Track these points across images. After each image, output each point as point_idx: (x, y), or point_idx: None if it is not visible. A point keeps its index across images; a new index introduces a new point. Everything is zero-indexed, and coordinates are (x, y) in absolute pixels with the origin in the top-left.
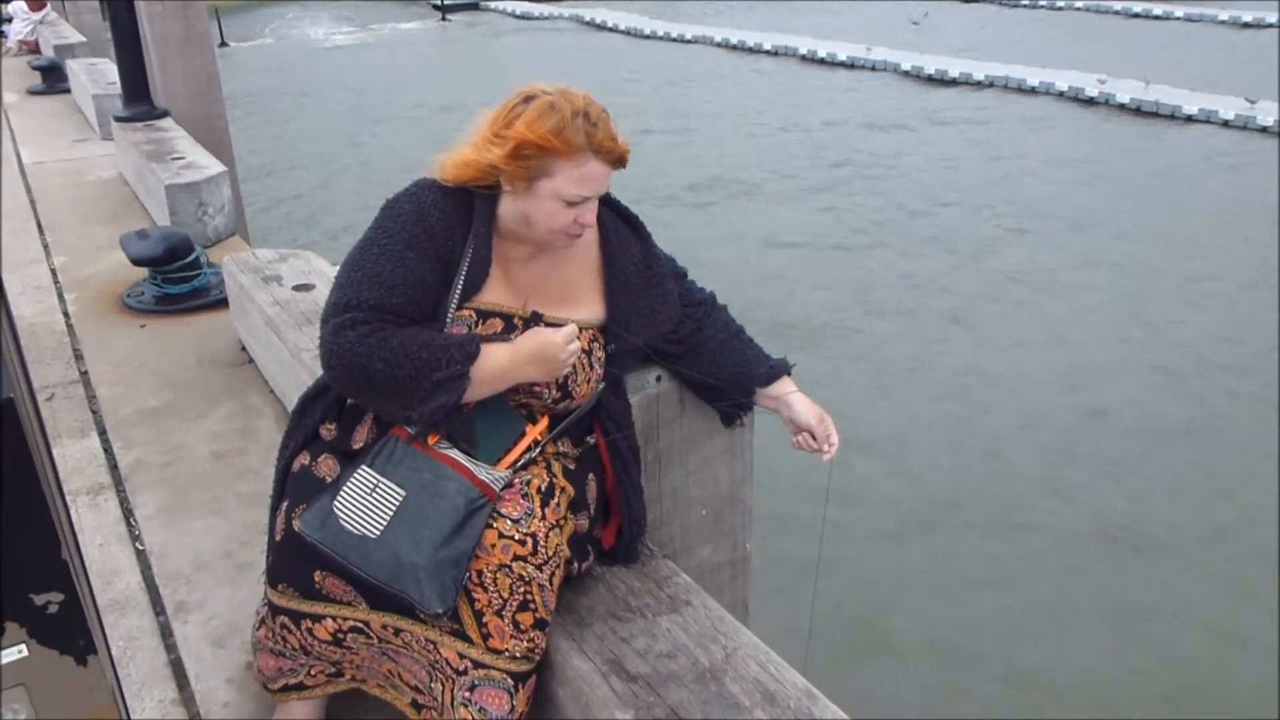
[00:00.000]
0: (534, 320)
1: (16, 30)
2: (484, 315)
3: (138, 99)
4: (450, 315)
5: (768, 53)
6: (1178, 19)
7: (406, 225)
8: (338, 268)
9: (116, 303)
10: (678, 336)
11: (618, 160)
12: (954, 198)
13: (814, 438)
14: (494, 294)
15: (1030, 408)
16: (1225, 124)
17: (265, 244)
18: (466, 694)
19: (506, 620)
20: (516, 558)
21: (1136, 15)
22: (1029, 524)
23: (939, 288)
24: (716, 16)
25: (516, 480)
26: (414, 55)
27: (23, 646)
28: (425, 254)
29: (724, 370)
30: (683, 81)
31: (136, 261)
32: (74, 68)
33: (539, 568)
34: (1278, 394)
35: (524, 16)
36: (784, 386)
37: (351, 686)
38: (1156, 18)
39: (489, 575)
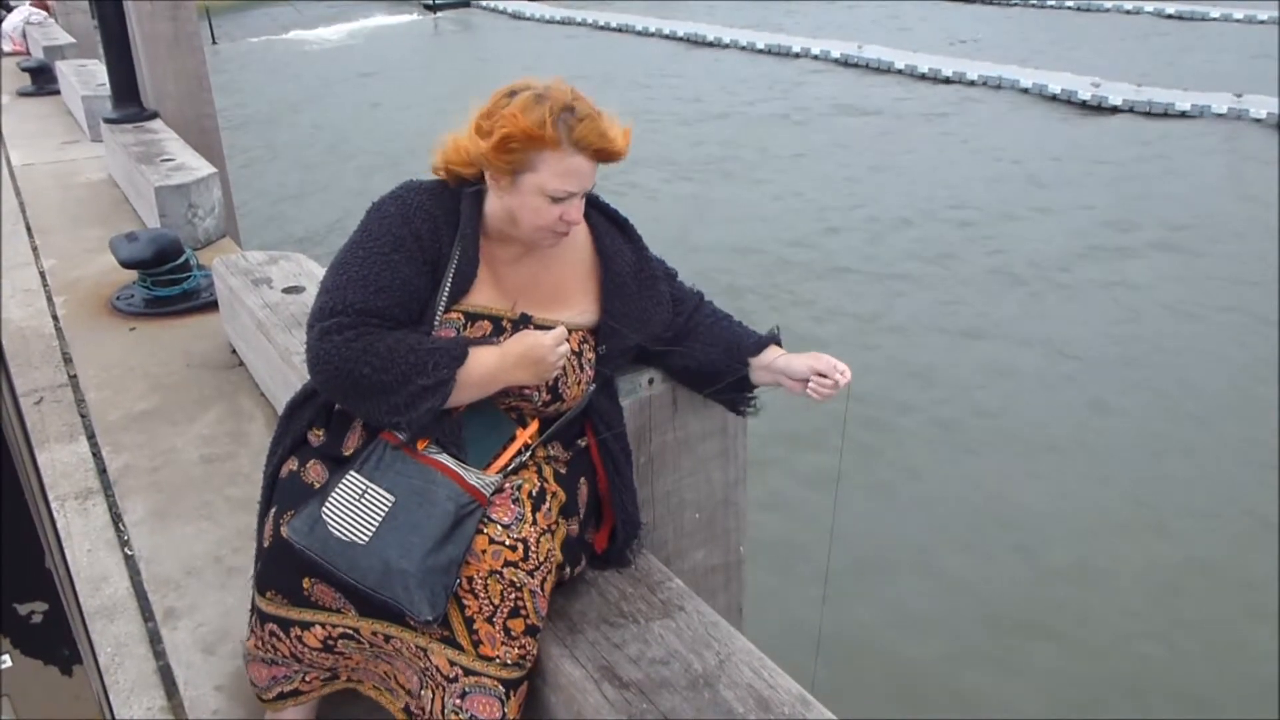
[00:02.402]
0: (523, 322)
1: (13, 24)
2: (472, 318)
3: (127, 100)
4: (438, 318)
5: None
6: (1169, 16)
7: (392, 228)
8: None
9: (106, 305)
10: (669, 335)
11: (601, 155)
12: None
13: (823, 375)
14: (482, 296)
15: None
16: (1219, 118)
17: (256, 245)
18: (457, 701)
19: (497, 627)
20: (507, 563)
21: (1128, 12)
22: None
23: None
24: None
25: (507, 485)
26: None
27: (6, 657)
28: (411, 256)
29: (716, 347)
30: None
31: (126, 264)
32: (63, 69)
33: (530, 573)
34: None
35: (516, 15)
36: (774, 353)
37: (347, 687)
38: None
39: (479, 581)
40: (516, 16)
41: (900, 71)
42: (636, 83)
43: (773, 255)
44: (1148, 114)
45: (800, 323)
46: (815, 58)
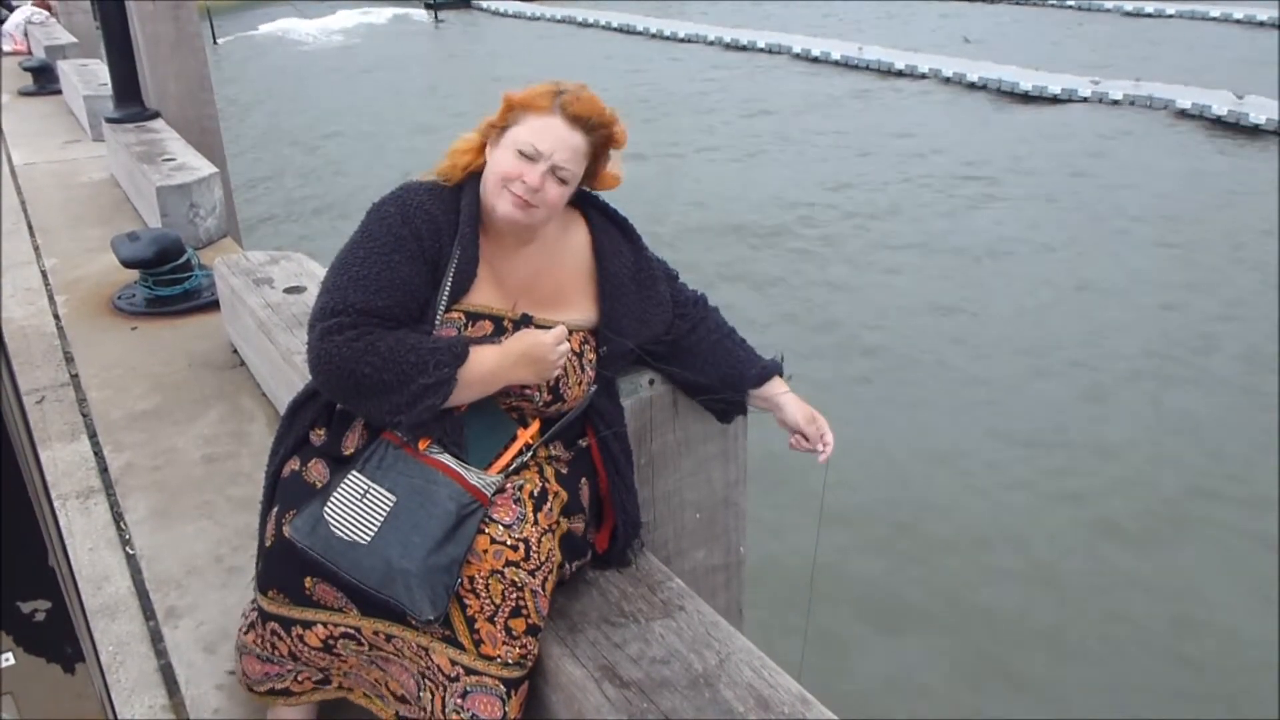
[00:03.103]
0: (524, 322)
1: (15, 23)
2: (473, 317)
3: (129, 100)
4: (439, 317)
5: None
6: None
7: (392, 228)
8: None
9: (107, 305)
10: (670, 338)
11: (580, 122)
12: None
13: (806, 439)
14: (483, 296)
15: None
16: (1217, 120)
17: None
18: (458, 700)
19: (499, 626)
20: (509, 563)
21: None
22: None
23: None
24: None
25: (509, 485)
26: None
27: (10, 655)
28: (411, 256)
29: (716, 371)
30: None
31: (127, 264)
32: (65, 69)
33: (531, 573)
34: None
35: (516, 15)
36: (776, 387)
37: (338, 695)
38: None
39: (481, 581)
40: (516, 16)
41: (901, 72)
42: (633, 78)
43: (759, 239)
44: (1149, 107)
45: (774, 299)
46: (816, 59)
